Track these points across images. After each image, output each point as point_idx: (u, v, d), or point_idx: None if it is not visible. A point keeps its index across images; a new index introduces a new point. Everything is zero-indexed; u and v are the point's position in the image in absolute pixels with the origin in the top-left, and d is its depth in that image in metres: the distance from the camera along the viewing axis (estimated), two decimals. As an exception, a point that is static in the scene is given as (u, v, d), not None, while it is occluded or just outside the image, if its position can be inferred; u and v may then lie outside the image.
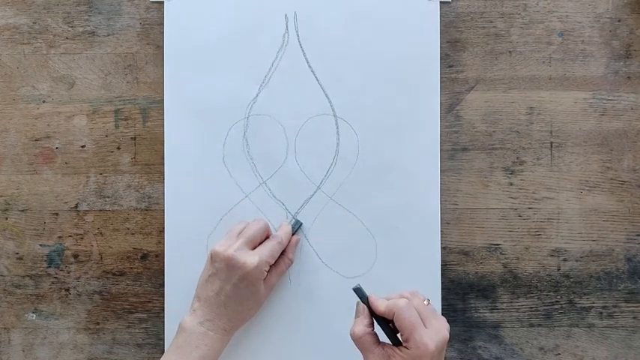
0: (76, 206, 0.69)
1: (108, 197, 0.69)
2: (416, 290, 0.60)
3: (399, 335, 0.58)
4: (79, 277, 0.69)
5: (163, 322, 0.68)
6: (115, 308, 0.69)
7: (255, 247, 0.64)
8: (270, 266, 0.64)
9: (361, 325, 0.59)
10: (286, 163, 0.68)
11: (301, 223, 0.67)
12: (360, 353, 0.59)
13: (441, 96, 0.68)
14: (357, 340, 0.58)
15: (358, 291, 0.60)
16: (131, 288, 0.69)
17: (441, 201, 0.68)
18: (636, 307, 0.68)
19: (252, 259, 0.62)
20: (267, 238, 0.65)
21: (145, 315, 0.68)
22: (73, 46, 0.69)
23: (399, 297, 0.59)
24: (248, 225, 0.65)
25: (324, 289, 0.68)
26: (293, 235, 0.67)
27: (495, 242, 0.68)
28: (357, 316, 0.60)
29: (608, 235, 0.68)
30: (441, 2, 0.68)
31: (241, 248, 0.63)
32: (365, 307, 0.59)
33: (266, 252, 0.63)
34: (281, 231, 0.66)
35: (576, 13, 0.68)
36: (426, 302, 0.59)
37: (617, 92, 0.68)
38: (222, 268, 0.62)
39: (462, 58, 0.68)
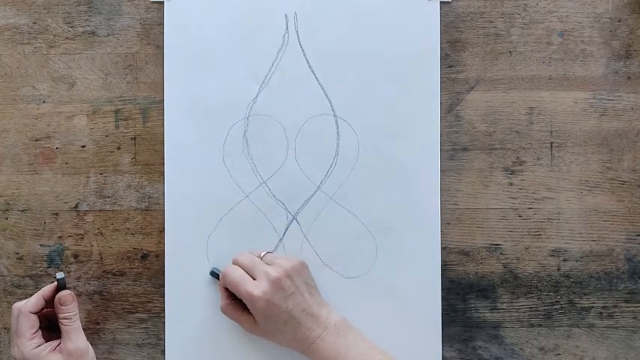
0: (76, 206, 0.69)
1: (108, 197, 0.69)
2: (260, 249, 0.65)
3: None
4: (79, 277, 0.69)
5: (163, 322, 0.68)
6: (115, 308, 0.69)
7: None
8: (50, 334, 0.63)
9: (222, 300, 0.65)
10: (286, 163, 0.68)
11: (63, 276, 0.64)
12: None
13: (441, 96, 0.68)
14: (224, 313, 0.65)
15: (213, 274, 0.66)
16: (131, 288, 0.69)
17: (441, 201, 0.68)
18: (636, 307, 0.68)
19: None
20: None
21: (145, 315, 0.68)
22: (73, 46, 0.69)
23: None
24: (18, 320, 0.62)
25: (324, 289, 0.67)
26: (60, 290, 0.63)
27: (495, 242, 0.68)
28: (220, 295, 0.65)
29: (609, 235, 0.68)
30: (441, 2, 0.68)
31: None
32: (220, 285, 0.65)
33: (21, 342, 0.61)
34: (31, 299, 0.63)
35: (576, 13, 0.68)
36: (261, 254, 0.64)
37: (617, 92, 0.68)
38: None
39: (462, 58, 0.68)
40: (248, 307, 0.62)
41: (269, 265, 0.63)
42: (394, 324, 0.66)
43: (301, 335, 0.62)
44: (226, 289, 0.64)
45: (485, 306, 0.68)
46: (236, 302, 0.64)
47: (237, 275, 0.63)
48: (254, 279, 0.62)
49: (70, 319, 0.63)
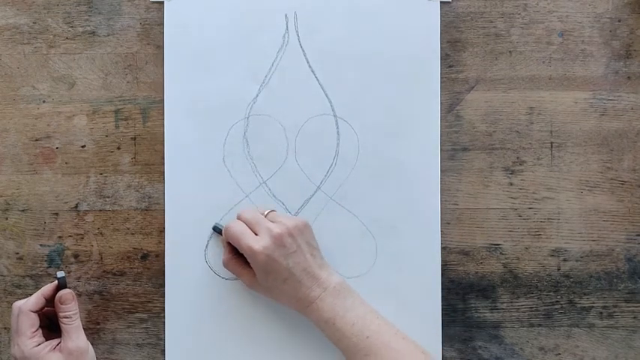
0: (76, 206, 0.69)
1: (108, 197, 0.69)
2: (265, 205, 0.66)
3: None
4: (79, 277, 0.69)
5: (163, 322, 0.68)
6: (115, 308, 0.69)
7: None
8: (50, 334, 0.63)
9: (225, 254, 0.65)
10: (286, 163, 0.68)
11: (64, 275, 0.64)
12: None
13: (441, 96, 0.68)
14: (225, 267, 0.65)
15: (216, 228, 0.66)
16: (131, 288, 0.69)
17: (441, 201, 0.68)
18: (636, 307, 0.68)
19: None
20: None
21: (145, 315, 0.68)
22: (73, 46, 0.69)
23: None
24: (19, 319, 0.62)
25: (324, 289, 0.68)
26: (61, 289, 0.63)
27: (495, 242, 0.68)
28: (223, 249, 0.66)
29: (609, 235, 0.68)
30: (441, 2, 0.68)
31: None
32: (223, 240, 0.65)
33: (21, 340, 0.61)
34: (32, 298, 0.63)
35: (576, 13, 0.68)
36: (265, 212, 0.64)
37: (618, 92, 0.68)
38: None
39: (462, 58, 0.68)
40: (249, 261, 0.62)
41: (272, 222, 0.63)
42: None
43: (300, 294, 0.62)
44: (229, 244, 0.64)
45: (485, 306, 0.68)
46: (238, 257, 0.64)
47: (239, 229, 0.62)
48: (256, 235, 0.62)
49: (71, 317, 0.63)
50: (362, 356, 0.60)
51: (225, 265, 0.65)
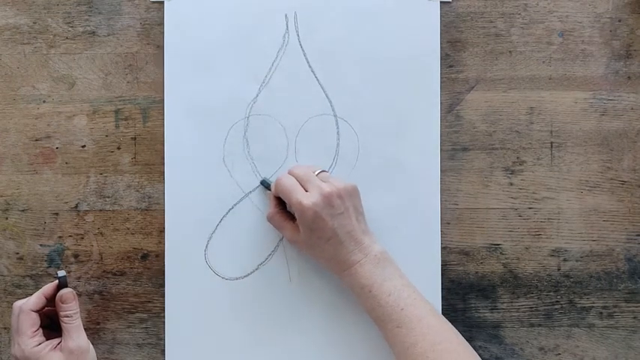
0: (76, 206, 0.69)
1: (108, 197, 0.69)
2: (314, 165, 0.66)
3: None
4: (79, 277, 0.69)
5: (163, 322, 0.68)
6: (115, 308, 0.69)
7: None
8: (51, 333, 0.63)
9: (271, 208, 0.65)
10: (286, 163, 0.68)
11: (65, 274, 0.64)
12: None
13: (441, 96, 0.68)
14: (270, 221, 0.65)
15: (264, 183, 0.67)
16: (131, 288, 0.69)
17: (441, 201, 0.68)
18: (636, 307, 0.68)
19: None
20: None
21: (145, 315, 0.69)
22: (73, 46, 0.69)
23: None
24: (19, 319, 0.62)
25: (324, 289, 0.68)
26: (62, 288, 0.63)
27: (495, 242, 0.68)
28: (270, 203, 0.66)
29: (609, 235, 0.68)
30: (441, 2, 0.68)
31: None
32: (271, 193, 0.66)
33: (21, 340, 0.61)
34: (32, 298, 0.63)
35: (576, 13, 0.68)
36: (317, 171, 0.64)
37: (618, 92, 0.68)
38: None
39: (462, 58, 0.68)
40: (296, 216, 0.62)
41: (323, 181, 0.63)
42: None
43: (341, 257, 0.62)
44: (276, 199, 0.65)
45: (485, 306, 0.68)
46: (284, 211, 0.65)
47: (291, 183, 0.63)
48: (306, 191, 0.62)
49: (71, 317, 0.63)
50: (393, 327, 0.60)
51: (270, 218, 0.65)
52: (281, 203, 0.65)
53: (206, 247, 0.68)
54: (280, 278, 0.68)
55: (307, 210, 0.60)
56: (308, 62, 0.68)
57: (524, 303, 0.68)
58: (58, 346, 0.62)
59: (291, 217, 0.64)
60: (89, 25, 0.68)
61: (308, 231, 0.62)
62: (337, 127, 0.68)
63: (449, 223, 0.68)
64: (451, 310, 0.68)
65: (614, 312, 0.68)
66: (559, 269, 0.68)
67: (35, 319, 0.62)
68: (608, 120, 0.68)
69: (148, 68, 0.68)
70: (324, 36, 0.68)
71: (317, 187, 0.61)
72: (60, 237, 0.69)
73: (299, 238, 0.63)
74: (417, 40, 0.68)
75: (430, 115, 0.68)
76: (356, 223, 0.62)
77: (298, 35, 0.68)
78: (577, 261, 0.68)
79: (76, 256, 0.69)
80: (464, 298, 0.68)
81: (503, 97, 0.68)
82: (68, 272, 0.68)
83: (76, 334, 0.62)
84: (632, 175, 0.68)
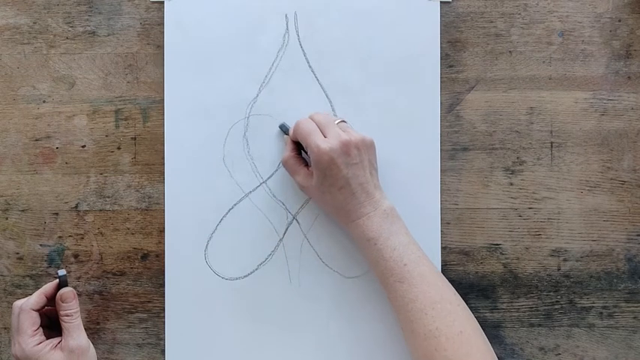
0: (77, 206, 0.69)
1: (108, 197, 0.69)
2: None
3: None
4: (79, 277, 0.69)
5: (163, 322, 0.68)
6: (115, 308, 0.69)
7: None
8: (51, 333, 0.63)
9: (287, 152, 0.65)
10: (286, 163, 0.68)
11: (65, 274, 0.63)
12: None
13: (441, 96, 0.68)
14: (284, 164, 0.65)
15: (283, 127, 0.67)
16: (131, 288, 0.69)
17: (441, 201, 0.68)
18: (636, 307, 0.68)
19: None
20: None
21: (145, 315, 0.69)
22: (73, 46, 0.69)
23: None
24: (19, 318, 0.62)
25: (324, 289, 0.68)
26: (62, 287, 0.63)
27: (495, 242, 0.68)
28: (287, 147, 0.66)
29: (609, 235, 0.68)
30: (441, 2, 0.68)
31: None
32: (288, 137, 0.66)
33: (22, 339, 0.61)
34: (32, 297, 0.63)
35: (576, 13, 0.68)
36: (337, 121, 0.64)
37: (618, 92, 0.68)
38: None
39: (462, 58, 0.68)
40: (311, 160, 0.62)
41: (342, 130, 0.63)
42: (395, 324, 0.66)
43: (351, 207, 0.62)
44: (293, 143, 0.65)
45: (485, 306, 0.68)
46: (299, 157, 0.65)
47: (311, 127, 0.63)
48: (325, 137, 0.62)
49: (72, 316, 0.63)
50: (394, 282, 0.60)
51: (285, 162, 0.65)
52: (297, 148, 0.65)
53: (206, 247, 0.68)
54: (280, 278, 0.68)
55: (324, 154, 0.61)
56: (308, 62, 0.68)
57: (524, 303, 0.68)
58: (59, 345, 0.62)
59: (305, 162, 0.65)
60: (89, 25, 0.69)
61: (321, 176, 0.62)
62: (337, 127, 0.68)
63: (449, 223, 0.68)
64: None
65: (614, 312, 0.68)
66: (559, 269, 0.68)
67: (35, 318, 0.62)
68: (608, 120, 0.68)
69: (148, 68, 0.68)
70: (324, 36, 0.68)
71: (336, 134, 0.62)
72: (60, 237, 0.69)
73: (311, 184, 0.63)
74: (417, 40, 0.68)
75: (430, 115, 0.68)
76: (369, 176, 0.62)
77: (298, 35, 0.68)
78: (577, 261, 0.68)
79: (76, 256, 0.69)
80: (464, 298, 0.68)
81: (503, 97, 0.68)
82: (68, 272, 0.68)
83: (76, 333, 0.62)
84: (632, 175, 0.68)
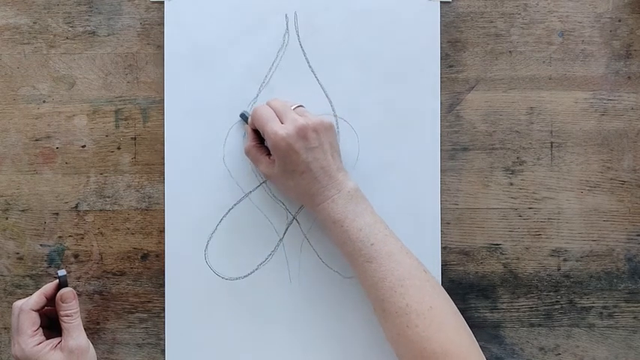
0: (77, 206, 0.69)
1: (108, 197, 0.69)
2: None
3: None
4: (79, 277, 0.69)
5: (163, 322, 0.68)
6: (115, 308, 0.69)
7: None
8: (50, 333, 0.63)
9: (247, 142, 0.65)
10: (286, 163, 0.68)
11: (65, 274, 0.63)
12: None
13: (441, 96, 0.68)
14: (247, 154, 0.66)
15: (243, 116, 0.67)
16: (131, 288, 0.69)
17: (441, 201, 0.68)
18: (636, 307, 0.68)
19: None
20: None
21: (145, 315, 0.69)
22: (73, 46, 0.69)
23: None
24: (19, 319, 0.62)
25: (324, 289, 0.68)
26: (62, 287, 0.63)
27: (496, 242, 0.68)
28: (247, 136, 0.66)
29: (609, 235, 0.68)
30: (441, 2, 0.68)
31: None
32: (248, 127, 0.66)
33: (22, 339, 0.61)
34: (32, 297, 0.63)
35: (576, 13, 0.68)
36: (294, 106, 0.64)
37: (618, 92, 0.68)
38: None
39: (462, 58, 0.68)
40: (269, 147, 0.62)
41: (299, 115, 0.63)
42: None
43: (314, 190, 0.62)
44: (253, 132, 0.65)
45: (485, 306, 0.68)
46: (261, 145, 0.65)
47: (267, 113, 0.63)
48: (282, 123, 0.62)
49: (71, 316, 0.63)
50: (363, 262, 0.60)
51: (247, 151, 0.65)
52: (258, 138, 0.65)
53: (206, 247, 0.68)
54: (280, 278, 0.68)
55: (281, 140, 0.61)
56: (308, 62, 0.68)
57: (524, 303, 0.68)
58: (58, 345, 0.62)
59: (267, 151, 0.64)
60: (89, 25, 0.69)
61: (282, 163, 0.62)
62: (337, 127, 0.68)
63: (449, 223, 0.68)
64: (451, 310, 0.68)
65: (614, 312, 0.68)
66: (559, 269, 0.68)
67: (35, 318, 0.62)
68: (608, 120, 0.68)
69: (148, 68, 0.68)
70: (324, 36, 0.68)
71: (292, 119, 0.62)
72: (60, 237, 0.69)
73: (273, 172, 0.63)
74: (417, 40, 0.68)
75: (430, 115, 0.68)
76: (330, 158, 0.62)
77: (298, 35, 0.68)
78: (577, 261, 0.68)
79: (76, 256, 0.69)
80: (464, 298, 0.68)
81: (503, 97, 0.68)
82: (68, 272, 0.68)
83: (76, 334, 0.62)
84: (632, 175, 0.68)
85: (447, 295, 0.61)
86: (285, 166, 0.62)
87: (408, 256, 0.61)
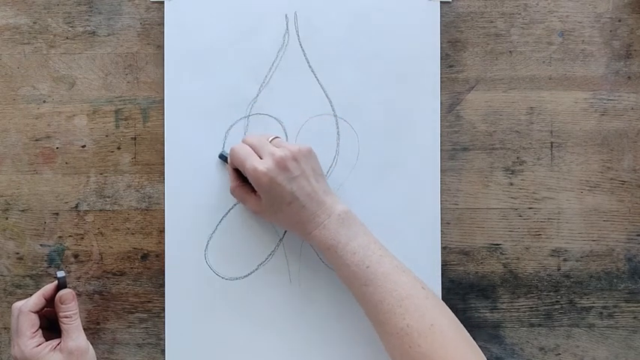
0: (77, 206, 0.69)
1: (108, 197, 0.69)
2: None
3: None
4: (79, 277, 0.69)
5: (163, 322, 0.68)
6: (115, 308, 0.69)
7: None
8: (50, 334, 0.63)
9: (232, 182, 0.65)
10: (286, 163, 0.68)
11: (64, 275, 0.64)
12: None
13: (441, 96, 0.68)
14: (232, 194, 0.65)
15: (222, 156, 0.67)
16: (131, 288, 0.69)
17: (441, 201, 0.68)
18: (636, 307, 0.68)
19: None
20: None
21: (145, 315, 0.69)
22: (73, 46, 0.69)
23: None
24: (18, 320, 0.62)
25: (324, 289, 0.68)
26: (61, 288, 0.63)
27: (496, 242, 0.68)
28: (230, 177, 0.66)
29: (609, 235, 0.68)
30: (441, 2, 0.68)
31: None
32: (229, 167, 0.65)
33: (21, 341, 0.61)
34: (32, 299, 0.63)
35: (576, 13, 0.68)
36: (270, 138, 0.64)
37: (618, 92, 0.68)
38: None
39: (463, 58, 0.68)
40: (252, 184, 0.62)
41: (276, 147, 0.63)
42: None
43: (304, 219, 0.61)
44: (235, 171, 0.65)
45: (485, 306, 0.68)
46: (245, 184, 0.64)
47: (244, 152, 0.62)
48: (261, 158, 0.62)
49: (71, 317, 0.63)
50: (360, 285, 0.60)
51: (232, 192, 0.65)
52: (241, 176, 0.65)
53: (206, 247, 0.68)
54: (280, 278, 0.68)
55: (262, 176, 0.60)
56: (308, 62, 0.68)
57: (524, 303, 0.68)
58: (58, 346, 0.62)
59: (252, 189, 0.64)
60: (89, 25, 0.69)
61: (268, 198, 0.61)
62: (337, 127, 0.68)
63: (449, 223, 0.68)
64: (451, 310, 0.68)
65: (614, 312, 0.68)
66: (559, 269, 0.68)
67: (35, 320, 0.62)
68: (608, 120, 0.68)
69: (148, 68, 0.68)
70: (324, 36, 0.68)
71: (270, 153, 0.61)
72: (60, 237, 0.69)
73: (262, 208, 0.63)
74: (417, 40, 0.68)
75: (430, 115, 0.68)
76: (315, 183, 0.62)
77: (298, 35, 0.68)
78: (577, 261, 0.68)
79: (76, 256, 0.69)
80: (464, 298, 0.68)
81: (503, 97, 0.68)
82: (68, 272, 0.68)
83: (75, 335, 0.62)
84: (632, 175, 0.68)
85: (448, 310, 0.60)
86: (272, 199, 0.61)
87: (405, 275, 0.60)
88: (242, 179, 0.65)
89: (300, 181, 0.61)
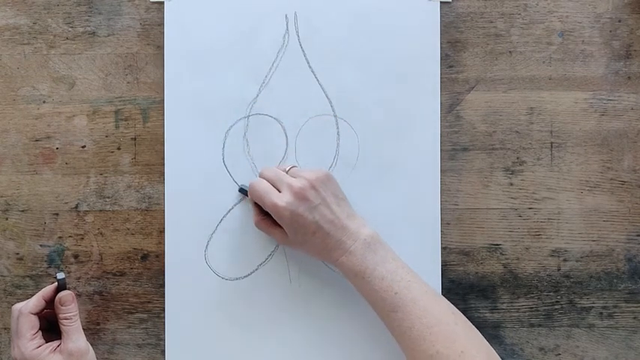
0: (77, 206, 0.69)
1: (108, 197, 0.69)
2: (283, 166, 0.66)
3: None
4: (79, 278, 0.69)
5: (163, 322, 0.68)
6: (115, 308, 0.69)
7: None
8: (50, 336, 0.63)
9: (255, 216, 0.65)
10: (286, 163, 0.68)
11: (64, 277, 0.64)
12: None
13: (441, 96, 0.68)
14: (258, 227, 0.65)
15: (242, 190, 0.67)
16: (131, 288, 0.69)
17: (441, 201, 0.68)
18: (636, 307, 0.68)
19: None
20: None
21: (145, 315, 0.68)
22: (73, 46, 0.69)
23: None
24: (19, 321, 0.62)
25: (324, 289, 0.68)
26: (61, 290, 0.63)
27: (495, 242, 0.68)
28: (253, 211, 0.66)
29: (609, 235, 0.68)
30: (441, 2, 0.68)
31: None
32: (251, 200, 0.65)
33: (21, 343, 0.61)
34: (31, 300, 0.63)
35: (576, 13, 0.68)
36: (287, 168, 0.64)
37: (618, 92, 0.68)
38: None
39: (462, 58, 0.68)
40: (275, 219, 0.62)
41: (293, 177, 0.62)
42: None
43: (330, 246, 0.61)
44: (257, 205, 0.64)
45: (485, 306, 0.68)
46: (268, 217, 0.64)
47: (262, 187, 0.62)
48: (280, 192, 0.62)
49: (71, 319, 0.63)
50: (389, 311, 0.59)
51: (257, 225, 0.65)
52: (263, 210, 0.64)
53: (206, 247, 0.68)
54: (280, 278, 0.68)
55: (283, 211, 0.60)
56: (308, 62, 0.68)
57: (524, 303, 0.68)
58: (58, 348, 0.62)
59: (275, 222, 0.63)
60: (89, 26, 0.69)
61: (292, 230, 0.61)
62: (337, 127, 0.68)
63: (449, 223, 0.68)
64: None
65: (614, 312, 0.68)
66: (559, 269, 0.68)
67: (34, 321, 0.62)
68: (608, 120, 0.68)
69: (148, 68, 0.68)
70: (324, 36, 0.68)
71: (287, 185, 0.61)
72: (60, 237, 0.69)
73: (288, 240, 0.63)
74: (417, 40, 0.68)
75: (430, 115, 0.68)
76: (337, 209, 0.62)
77: (298, 36, 0.68)
78: (577, 261, 0.68)
79: (76, 256, 0.69)
80: (464, 298, 0.68)
81: (503, 97, 0.68)
82: (68, 273, 0.68)
83: (75, 336, 0.62)
84: (632, 175, 0.68)
85: (479, 334, 0.59)
86: (296, 231, 0.61)
87: (434, 300, 0.60)
88: (265, 212, 0.64)
89: (321, 210, 0.61)
